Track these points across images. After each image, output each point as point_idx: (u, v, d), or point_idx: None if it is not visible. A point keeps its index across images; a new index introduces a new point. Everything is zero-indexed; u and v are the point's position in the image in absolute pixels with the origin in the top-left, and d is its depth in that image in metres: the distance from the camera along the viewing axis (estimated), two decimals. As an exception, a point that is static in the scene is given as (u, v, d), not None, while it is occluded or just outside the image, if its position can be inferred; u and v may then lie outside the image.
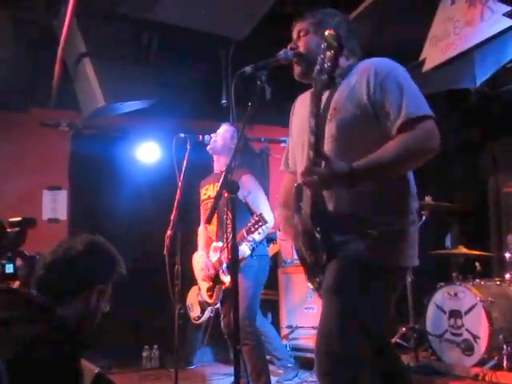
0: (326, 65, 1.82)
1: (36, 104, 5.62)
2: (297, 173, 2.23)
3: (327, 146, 2.02)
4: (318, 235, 2.02)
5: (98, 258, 1.86)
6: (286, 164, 2.48)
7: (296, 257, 5.01)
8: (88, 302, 1.81)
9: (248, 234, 3.38)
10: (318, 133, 1.87)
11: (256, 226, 3.34)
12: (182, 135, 3.61)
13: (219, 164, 3.85)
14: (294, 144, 2.34)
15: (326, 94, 2.09)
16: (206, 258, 3.79)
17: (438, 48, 4.18)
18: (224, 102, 5.20)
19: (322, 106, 2.02)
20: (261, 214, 3.37)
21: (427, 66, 4.28)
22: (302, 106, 2.34)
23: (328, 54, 1.82)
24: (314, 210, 2.03)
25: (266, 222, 3.35)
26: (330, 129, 2.04)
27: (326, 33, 1.85)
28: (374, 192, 1.99)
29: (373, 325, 1.99)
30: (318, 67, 1.85)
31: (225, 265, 3.60)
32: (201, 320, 3.91)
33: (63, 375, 1.50)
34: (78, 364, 1.57)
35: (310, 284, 2.21)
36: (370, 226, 1.98)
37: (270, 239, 4.82)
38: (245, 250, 3.53)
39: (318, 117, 1.88)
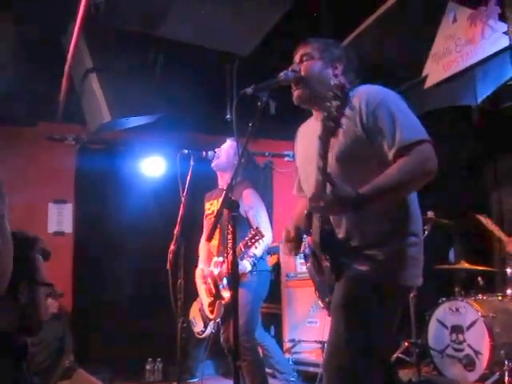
0: (332, 114, 1.85)
1: (43, 118, 5.70)
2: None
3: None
4: (326, 260, 2.09)
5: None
6: (298, 189, 2.53)
7: (299, 271, 5.06)
8: (18, 301, 1.65)
9: (245, 248, 3.41)
10: (325, 173, 1.91)
11: (253, 240, 3.37)
12: (186, 151, 3.66)
13: (223, 180, 3.89)
14: (301, 174, 2.40)
15: None
16: (206, 268, 3.85)
17: (439, 65, 4.23)
18: (228, 117, 5.26)
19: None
20: (257, 228, 3.40)
21: (429, 83, 4.32)
22: (304, 137, 2.41)
23: (334, 103, 1.85)
24: (321, 236, 2.09)
25: (262, 236, 3.38)
26: (330, 156, 2.08)
27: (333, 83, 1.89)
28: (377, 216, 2.05)
29: (379, 340, 2.04)
30: (325, 114, 1.88)
31: (225, 280, 3.63)
32: (204, 334, 3.92)
33: None
34: (20, 372, 1.51)
35: (320, 302, 2.27)
36: (374, 251, 2.05)
37: (269, 251, 4.85)
38: (246, 265, 3.56)
39: (326, 160, 1.91)
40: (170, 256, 3.49)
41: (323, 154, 1.92)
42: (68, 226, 5.88)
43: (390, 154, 1.99)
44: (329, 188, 1.90)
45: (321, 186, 1.92)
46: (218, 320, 3.78)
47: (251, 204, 3.72)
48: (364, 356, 1.97)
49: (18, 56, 4.43)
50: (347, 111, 2.09)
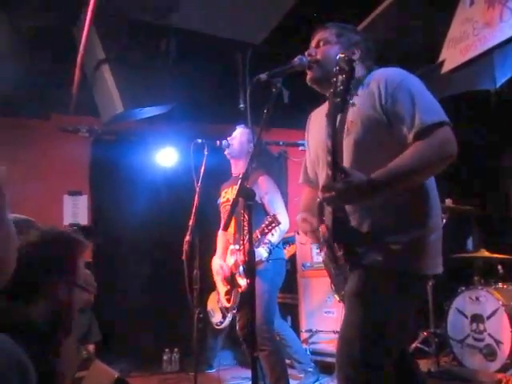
0: (338, 88, 1.83)
1: (56, 110, 5.71)
2: (318, 187, 2.27)
3: (346, 159, 2.02)
4: (340, 249, 2.03)
5: (51, 248, 1.69)
6: (305, 177, 2.49)
7: (315, 260, 5.02)
8: (56, 296, 1.66)
9: (261, 235, 3.37)
10: (334, 152, 1.87)
11: (270, 227, 3.32)
12: (200, 141, 3.63)
13: (237, 168, 3.87)
14: (313, 161, 2.36)
15: None
16: (220, 260, 3.84)
17: (456, 49, 4.14)
18: (241, 106, 5.22)
19: (339, 120, 2.02)
20: (274, 215, 3.35)
21: (446, 68, 4.23)
22: (315, 124, 2.37)
23: (340, 77, 1.83)
24: (335, 225, 2.03)
25: (279, 223, 3.33)
26: (348, 142, 2.04)
27: (338, 56, 1.87)
28: (394, 204, 2.00)
29: (393, 330, 2.00)
30: (331, 90, 1.86)
31: (241, 268, 3.61)
32: (223, 325, 3.90)
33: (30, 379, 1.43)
34: (48, 366, 1.51)
35: (336, 295, 2.23)
36: (390, 239, 1.99)
37: (286, 242, 4.81)
38: (262, 252, 3.52)
39: (334, 138, 1.88)
40: (185, 246, 3.47)
41: (331, 133, 1.87)
42: (83, 218, 5.89)
43: (409, 137, 1.94)
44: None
45: (329, 167, 1.87)
46: (235, 309, 3.76)
47: (266, 190, 3.69)
48: (376, 347, 1.94)
49: (30, 48, 4.43)
50: (364, 94, 2.05)
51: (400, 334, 2.07)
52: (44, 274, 1.64)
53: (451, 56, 4.20)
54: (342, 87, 1.83)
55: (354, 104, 2.04)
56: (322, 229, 2.11)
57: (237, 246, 3.69)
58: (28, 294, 1.60)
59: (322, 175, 2.08)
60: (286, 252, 4.32)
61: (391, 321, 1.98)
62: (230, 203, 3.46)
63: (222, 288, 3.85)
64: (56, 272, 1.68)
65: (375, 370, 1.93)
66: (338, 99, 1.84)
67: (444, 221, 4.29)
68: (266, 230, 3.34)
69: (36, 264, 1.62)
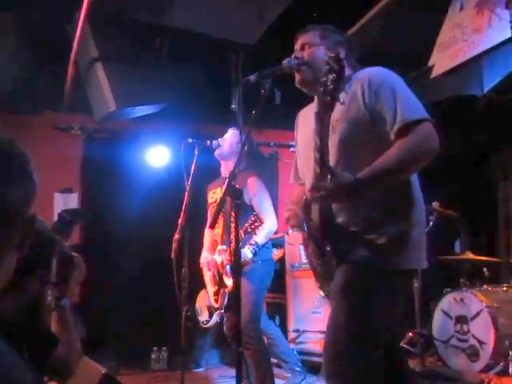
0: (328, 87, 1.86)
1: (49, 108, 5.70)
2: (306, 185, 2.31)
3: (332, 157, 2.06)
4: (326, 246, 2.07)
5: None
6: (295, 176, 2.54)
7: (304, 261, 5.05)
8: (27, 291, 1.63)
9: (246, 235, 3.41)
10: (322, 150, 1.91)
11: (252, 226, 3.36)
12: (190, 140, 3.66)
13: (226, 168, 3.88)
14: (301, 159, 2.40)
15: None
16: (208, 254, 3.87)
17: (446, 54, 4.19)
18: (234, 106, 5.24)
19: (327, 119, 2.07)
20: (256, 215, 3.40)
21: (435, 73, 4.28)
22: (304, 122, 2.41)
23: (330, 76, 1.86)
24: (322, 222, 2.07)
25: (261, 223, 3.38)
26: (333, 140, 2.08)
27: (328, 56, 1.89)
28: (380, 199, 2.04)
29: (379, 326, 2.03)
30: (321, 89, 1.89)
31: (228, 267, 3.64)
32: (209, 324, 3.93)
33: None
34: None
35: (321, 291, 2.26)
36: (375, 234, 2.03)
37: (275, 244, 4.84)
38: (246, 253, 3.54)
39: (322, 135, 1.91)
40: (174, 245, 3.50)
41: (319, 131, 1.91)
42: (74, 216, 5.89)
43: (392, 133, 1.99)
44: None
45: (317, 164, 1.91)
46: (222, 310, 3.79)
47: (255, 191, 3.72)
48: (362, 343, 1.97)
49: (24, 45, 4.44)
50: (348, 93, 2.09)
51: (386, 329, 2.09)
52: (18, 271, 1.63)
53: (440, 61, 4.25)
54: (331, 86, 1.86)
55: (342, 102, 2.08)
56: (309, 225, 2.15)
57: (224, 247, 3.71)
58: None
59: (310, 173, 2.12)
60: (274, 256, 4.36)
61: (377, 316, 2.01)
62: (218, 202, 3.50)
63: (211, 288, 3.88)
64: (30, 269, 1.63)
65: (361, 363, 1.96)
66: (328, 98, 1.87)
67: (431, 223, 4.34)
68: (249, 229, 3.37)
69: None
